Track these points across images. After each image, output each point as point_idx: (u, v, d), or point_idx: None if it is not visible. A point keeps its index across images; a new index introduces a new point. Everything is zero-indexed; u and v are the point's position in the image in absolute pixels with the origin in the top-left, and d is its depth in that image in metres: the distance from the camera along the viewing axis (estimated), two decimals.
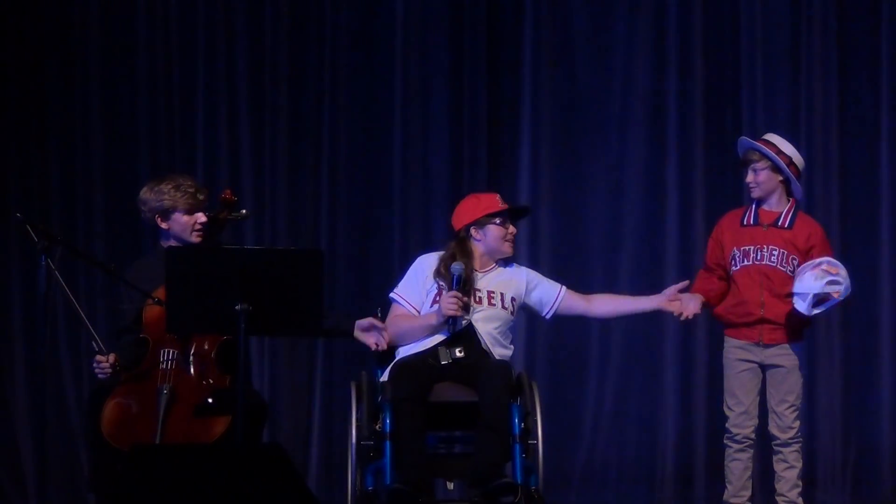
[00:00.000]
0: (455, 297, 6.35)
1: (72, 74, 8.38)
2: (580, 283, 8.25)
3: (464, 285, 6.41)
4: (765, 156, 6.67)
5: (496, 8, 8.40)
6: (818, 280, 6.51)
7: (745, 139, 6.84)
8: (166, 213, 6.23)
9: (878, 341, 8.18)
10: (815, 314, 6.55)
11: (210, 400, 5.85)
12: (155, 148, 8.33)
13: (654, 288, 8.22)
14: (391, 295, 6.59)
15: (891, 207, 8.20)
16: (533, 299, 6.61)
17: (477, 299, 6.45)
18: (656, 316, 8.21)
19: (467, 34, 8.37)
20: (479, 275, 6.51)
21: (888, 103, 8.20)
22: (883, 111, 8.21)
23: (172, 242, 6.26)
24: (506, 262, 6.66)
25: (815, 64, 8.24)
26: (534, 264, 8.24)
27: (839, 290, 6.50)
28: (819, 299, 6.51)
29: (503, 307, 6.50)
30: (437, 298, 6.46)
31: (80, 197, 8.35)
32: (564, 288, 6.63)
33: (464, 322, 6.38)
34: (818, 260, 6.56)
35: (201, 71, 8.38)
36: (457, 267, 6.42)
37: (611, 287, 8.27)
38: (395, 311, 6.55)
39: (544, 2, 8.38)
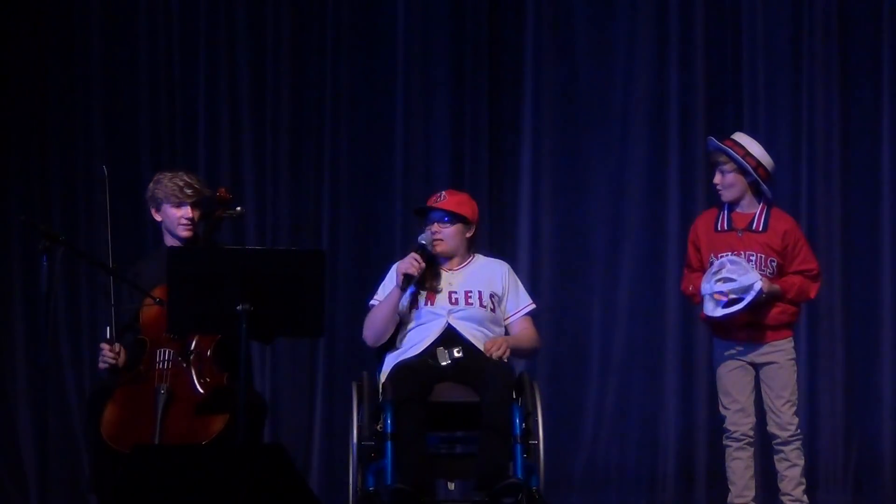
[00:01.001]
0: (414, 257, 6.37)
1: (73, 74, 8.38)
2: (581, 283, 8.32)
3: (426, 254, 6.41)
4: (731, 158, 6.63)
5: (498, 8, 8.40)
6: (708, 281, 6.50)
7: (711, 139, 6.72)
8: (158, 205, 6.26)
9: (879, 341, 8.17)
10: (727, 314, 6.49)
11: (207, 379, 5.85)
12: (157, 148, 8.34)
13: (655, 287, 8.28)
14: (370, 304, 6.58)
15: (892, 207, 8.19)
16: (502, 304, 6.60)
17: (453, 300, 6.44)
18: (657, 316, 8.25)
19: (469, 35, 8.38)
20: (453, 273, 6.50)
21: (889, 103, 8.19)
22: (884, 111, 8.21)
23: (168, 237, 6.28)
24: (487, 255, 6.67)
25: (817, 64, 8.23)
26: (535, 265, 8.28)
27: (733, 288, 6.44)
28: (731, 300, 6.48)
29: (481, 305, 6.47)
30: (416, 304, 6.45)
31: (82, 197, 8.35)
32: (525, 313, 6.53)
33: (418, 290, 6.40)
34: (719, 260, 6.52)
35: (203, 73, 8.39)
36: (424, 235, 6.44)
37: (612, 287, 8.30)
38: None
39: (546, 3, 8.38)
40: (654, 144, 8.32)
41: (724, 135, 8.17)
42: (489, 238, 8.04)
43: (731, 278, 6.45)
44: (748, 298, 6.45)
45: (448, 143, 8.38)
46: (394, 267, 6.59)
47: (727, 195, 6.63)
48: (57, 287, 7.57)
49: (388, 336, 6.48)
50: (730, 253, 6.54)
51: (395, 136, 8.38)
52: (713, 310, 6.51)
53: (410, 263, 6.37)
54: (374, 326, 6.47)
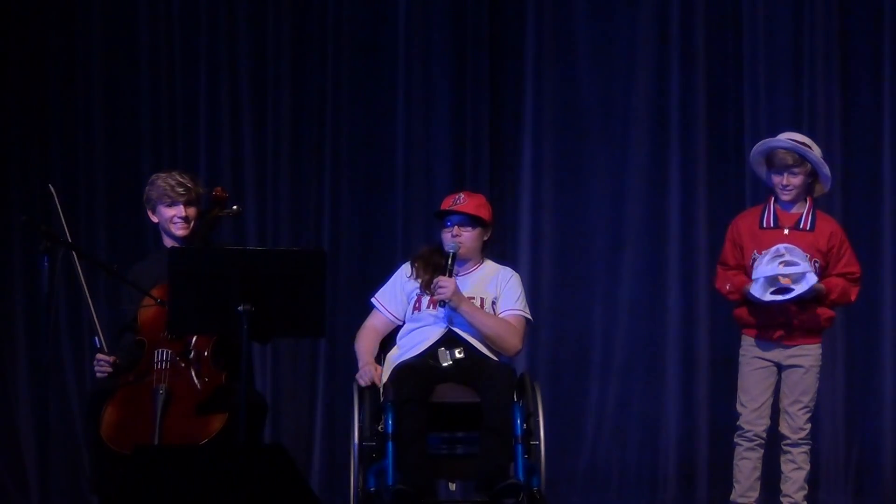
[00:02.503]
0: (443, 280, 6.34)
1: (74, 75, 8.38)
2: (583, 285, 8.32)
3: (454, 261, 6.40)
4: (807, 160, 6.61)
5: (498, 10, 8.40)
6: (770, 263, 6.48)
7: (783, 140, 6.68)
8: (153, 206, 6.28)
9: (880, 342, 8.16)
10: (774, 301, 6.47)
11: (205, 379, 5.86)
12: (157, 149, 8.34)
13: (655, 287, 8.27)
14: (371, 300, 6.59)
15: (893, 208, 8.19)
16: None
17: (454, 310, 6.43)
18: (658, 316, 8.24)
19: (470, 36, 8.37)
20: (460, 278, 6.46)
21: (890, 104, 8.19)
22: (885, 112, 8.20)
23: (166, 238, 6.29)
24: (498, 262, 6.65)
25: (818, 65, 8.23)
26: (536, 266, 8.28)
27: (793, 274, 6.44)
28: (779, 288, 6.47)
29: None
30: (418, 305, 6.46)
31: (82, 198, 8.35)
32: (513, 315, 6.48)
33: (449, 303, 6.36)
34: (775, 246, 6.51)
35: (203, 72, 8.38)
36: (452, 245, 6.41)
37: (613, 287, 8.30)
38: (371, 317, 6.58)
39: (546, 4, 8.38)
40: (654, 145, 8.32)
41: (726, 135, 8.22)
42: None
43: (795, 261, 6.45)
44: (799, 290, 6.44)
45: (449, 144, 8.38)
46: (402, 266, 6.59)
47: (792, 195, 6.63)
48: (57, 288, 7.58)
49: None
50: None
51: (397, 137, 8.37)
52: (763, 293, 6.48)
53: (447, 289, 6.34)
54: (357, 352, 6.51)
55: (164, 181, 6.24)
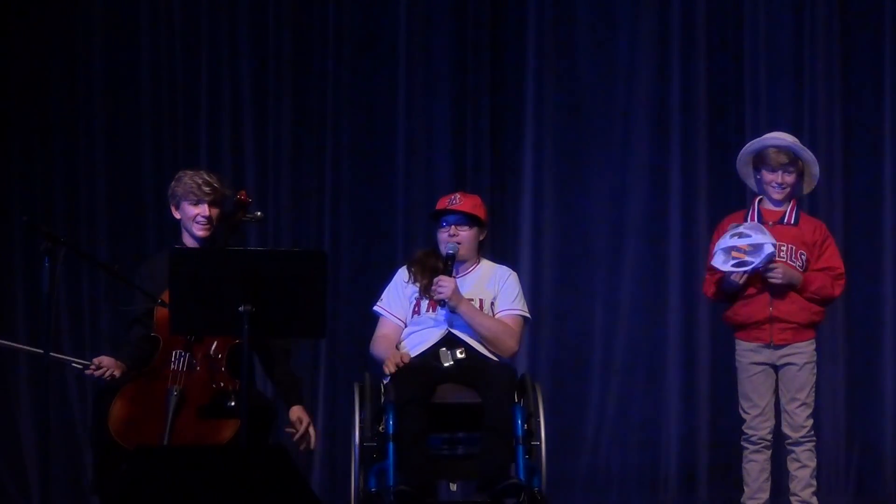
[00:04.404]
0: (443, 279, 6.34)
1: (75, 76, 8.39)
2: (583, 284, 8.32)
3: (453, 262, 6.39)
4: (800, 157, 6.62)
5: (500, 9, 8.41)
6: (724, 238, 6.51)
7: (780, 139, 6.68)
8: (177, 202, 6.25)
9: (881, 342, 8.17)
10: (734, 272, 6.47)
11: (232, 403, 5.83)
12: (158, 149, 8.34)
13: (656, 288, 8.28)
14: (375, 308, 6.57)
15: (894, 208, 8.19)
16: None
17: (452, 309, 6.43)
18: (659, 317, 8.25)
19: (471, 35, 8.38)
20: (458, 279, 6.45)
21: (891, 104, 8.20)
22: (886, 112, 8.21)
23: (187, 237, 6.27)
24: (494, 262, 6.64)
25: (819, 64, 8.24)
26: (536, 267, 8.28)
27: (747, 243, 6.44)
28: (741, 261, 6.47)
29: None
30: (417, 309, 6.45)
31: (83, 198, 8.35)
32: (510, 315, 6.47)
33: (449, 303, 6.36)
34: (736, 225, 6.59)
35: (204, 73, 8.39)
36: (450, 245, 6.40)
37: (614, 288, 8.30)
38: (381, 326, 6.55)
39: (548, 3, 8.38)
40: (655, 145, 8.32)
41: (727, 135, 8.22)
42: (491, 239, 8.03)
43: (747, 234, 6.46)
44: (757, 261, 6.45)
45: (450, 144, 8.39)
46: (400, 270, 6.59)
47: (784, 194, 6.64)
48: (58, 288, 7.58)
49: None
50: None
51: (397, 137, 8.38)
52: (723, 263, 6.51)
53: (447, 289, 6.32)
54: (378, 358, 6.46)
55: (192, 179, 6.22)
